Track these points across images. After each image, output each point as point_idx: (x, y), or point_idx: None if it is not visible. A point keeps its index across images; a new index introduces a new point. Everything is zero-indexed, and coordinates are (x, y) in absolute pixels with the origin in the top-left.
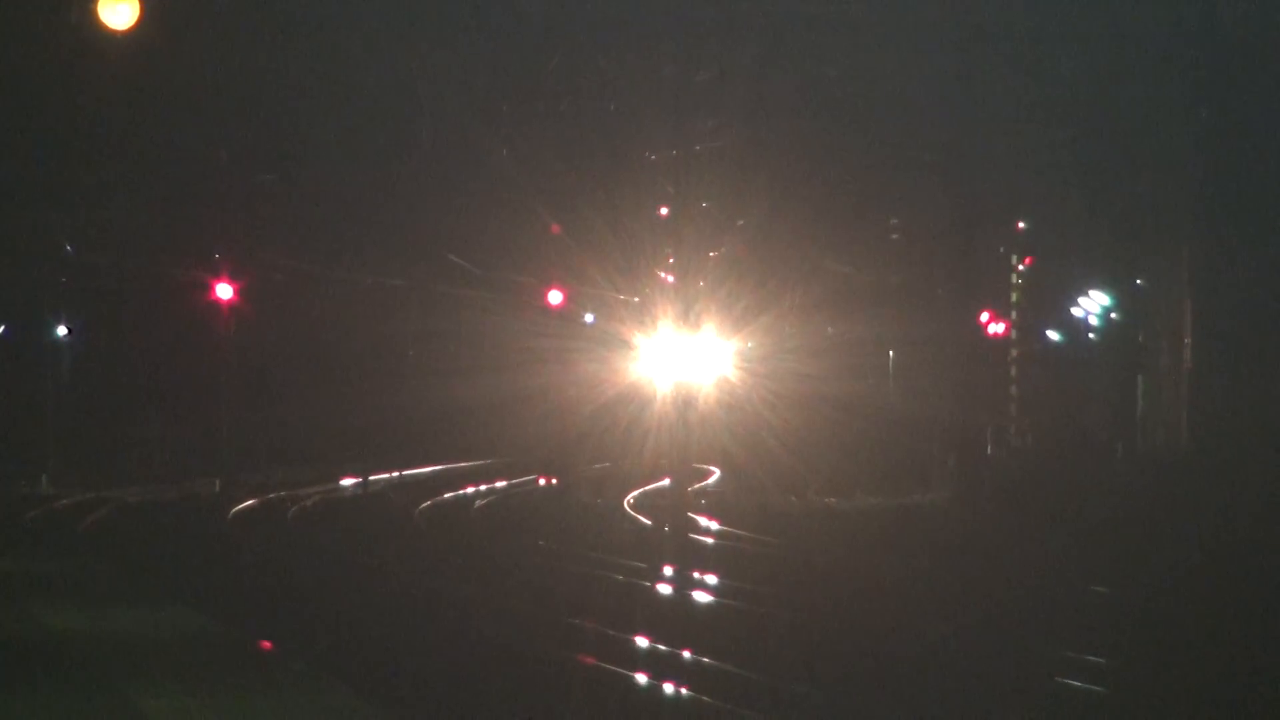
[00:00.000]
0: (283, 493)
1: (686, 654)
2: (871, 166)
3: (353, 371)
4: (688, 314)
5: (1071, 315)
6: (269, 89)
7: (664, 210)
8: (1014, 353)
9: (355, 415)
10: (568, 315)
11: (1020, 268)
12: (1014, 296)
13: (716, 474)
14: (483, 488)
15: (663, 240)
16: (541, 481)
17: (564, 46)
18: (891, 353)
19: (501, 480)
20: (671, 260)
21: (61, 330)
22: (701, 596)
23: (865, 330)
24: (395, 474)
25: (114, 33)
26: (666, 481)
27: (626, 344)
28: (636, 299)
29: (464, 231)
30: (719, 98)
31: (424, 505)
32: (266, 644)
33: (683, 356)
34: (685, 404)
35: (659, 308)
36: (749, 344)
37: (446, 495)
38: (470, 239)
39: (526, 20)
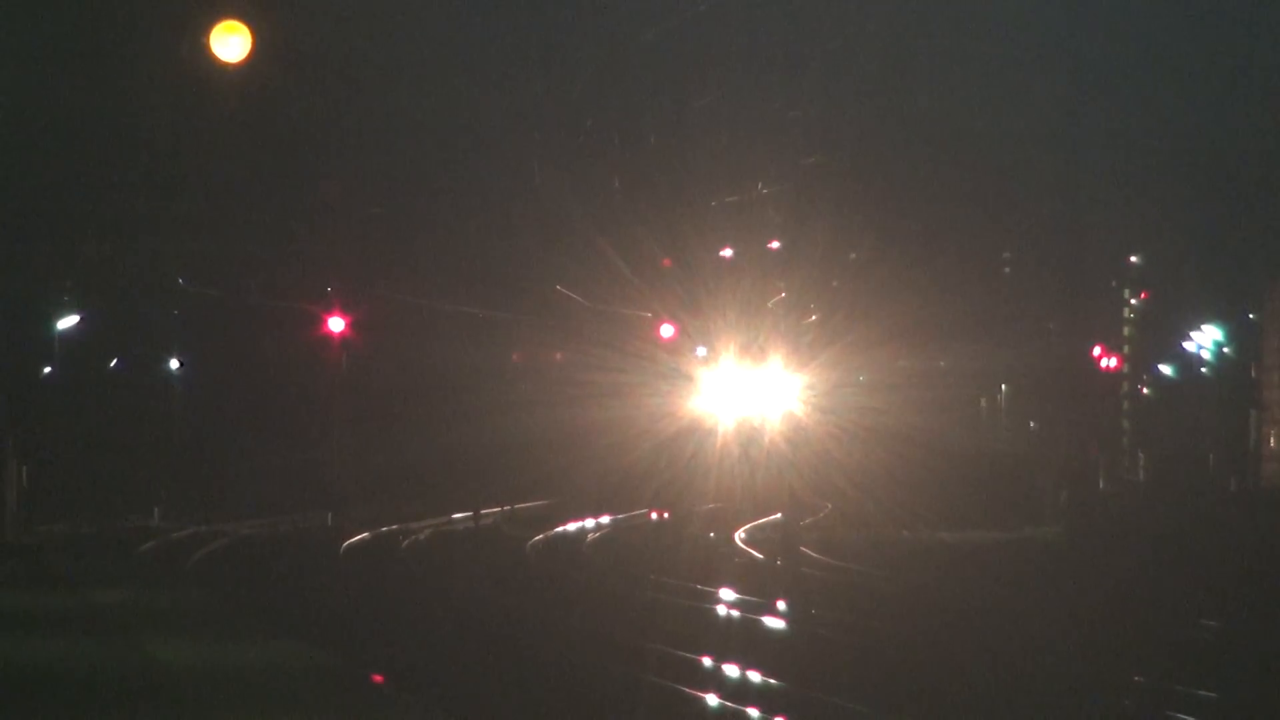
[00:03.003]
0: (394, 526)
1: (808, 693)
2: (981, 201)
3: (459, 404)
4: (752, 347)
5: (1184, 349)
6: (379, 123)
7: (727, 251)
8: (1126, 387)
9: (463, 448)
10: (671, 348)
11: (1133, 302)
12: (1126, 331)
13: (826, 509)
14: (592, 522)
15: (771, 275)
16: (653, 515)
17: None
18: (1004, 386)
19: (608, 515)
20: (783, 295)
21: (174, 363)
22: (813, 629)
23: (971, 364)
24: (505, 508)
25: (225, 65)
26: (778, 516)
27: (688, 378)
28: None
29: (546, 268)
30: (820, 133)
31: (536, 539)
32: (378, 678)
33: (747, 391)
34: (749, 440)
35: (720, 341)
36: (823, 378)
37: (557, 529)
38: (556, 275)
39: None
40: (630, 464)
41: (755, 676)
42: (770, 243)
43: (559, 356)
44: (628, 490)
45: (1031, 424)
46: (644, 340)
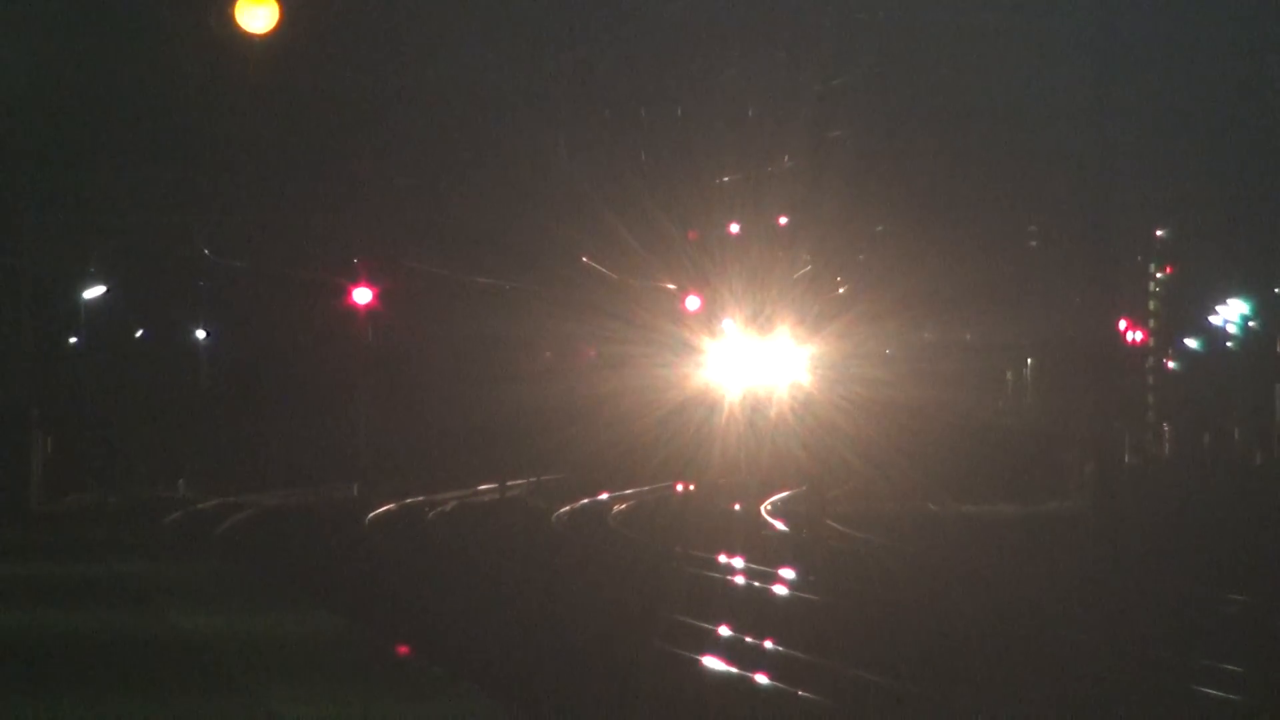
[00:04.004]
0: (420, 498)
1: (819, 661)
2: (1006, 173)
3: (484, 375)
4: (759, 318)
5: (1210, 323)
6: (407, 94)
7: (734, 228)
8: (1151, 360)
9: (488, 418)
10: (698, 320)
11: (1158, 275)
12: (1151, 304)
13: (851, 482)
14: (616, 493)
15: (791, 248)
16: (679, 488)
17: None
18: (1030, 360)
19: (630, 487)
20: (809, 267)
21: (200, 334)
22: (842, 604)
23: (994, 337)
24: (531, 479)
25: (252, 37)
26: (798, 490)
27: (696, 349)
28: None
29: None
30: (847, 105)
31: (561, 510)
32: (404, 648)
33: (755, 362)
34: (754, 410)
35: (729, 311)
36: (835, 348)
37: (583, 501)
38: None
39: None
40: (638, 435)
41: (783, 648)
42: (784, 217)
43: (579, 328)
44: (637, 462)
45: (1055, 397)
46: (666, 314)
